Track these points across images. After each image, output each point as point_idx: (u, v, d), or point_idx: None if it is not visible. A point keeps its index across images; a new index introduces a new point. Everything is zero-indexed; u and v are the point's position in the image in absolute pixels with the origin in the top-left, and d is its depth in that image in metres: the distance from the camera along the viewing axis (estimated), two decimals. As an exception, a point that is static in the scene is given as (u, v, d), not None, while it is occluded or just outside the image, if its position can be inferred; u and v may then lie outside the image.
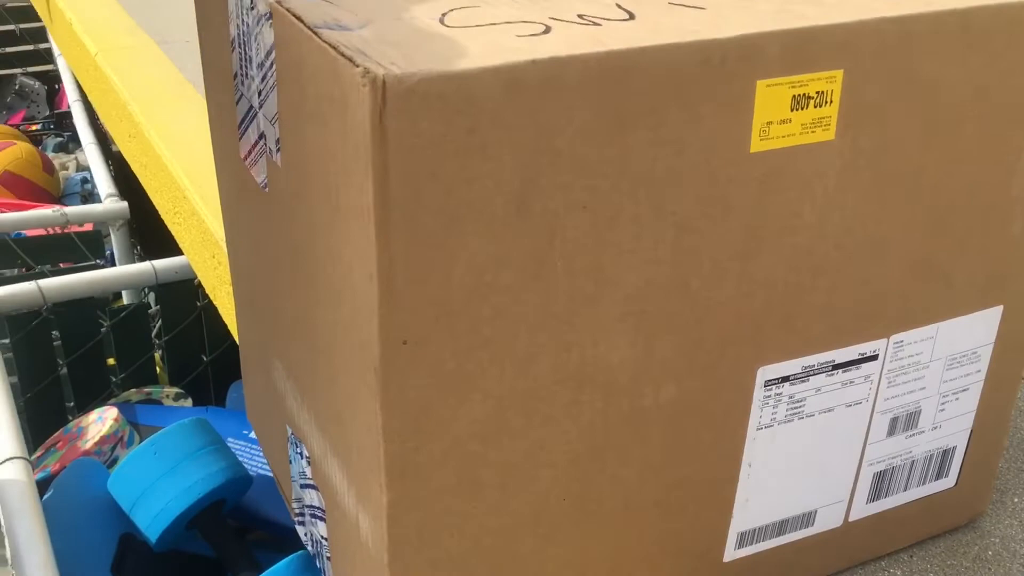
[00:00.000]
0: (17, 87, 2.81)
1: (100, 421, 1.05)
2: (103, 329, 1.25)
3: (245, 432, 1.10)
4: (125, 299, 1.41)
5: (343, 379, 0.40)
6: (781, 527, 0.48)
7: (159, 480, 0.90)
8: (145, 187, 1.25)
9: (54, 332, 1.23)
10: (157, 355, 1.35)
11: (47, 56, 2.89)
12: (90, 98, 1.57)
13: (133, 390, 1.27)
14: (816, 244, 0.41)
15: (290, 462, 0.54)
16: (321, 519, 0.49)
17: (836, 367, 0.45)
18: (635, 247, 0.38)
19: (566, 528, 0.42)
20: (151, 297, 1.39)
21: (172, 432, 0.92)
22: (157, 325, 1.32)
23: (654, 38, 0.35)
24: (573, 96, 0.34)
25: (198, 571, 0.95)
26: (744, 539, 0.47)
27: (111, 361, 1.28)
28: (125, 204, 1.43)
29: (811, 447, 0.47)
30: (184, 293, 1.28)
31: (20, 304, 1.13)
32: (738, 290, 0.41)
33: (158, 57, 1.45)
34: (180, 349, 1.30)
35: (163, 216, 1.16)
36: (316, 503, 0.49)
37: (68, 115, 2.61)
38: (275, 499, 1.03)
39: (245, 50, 0.44)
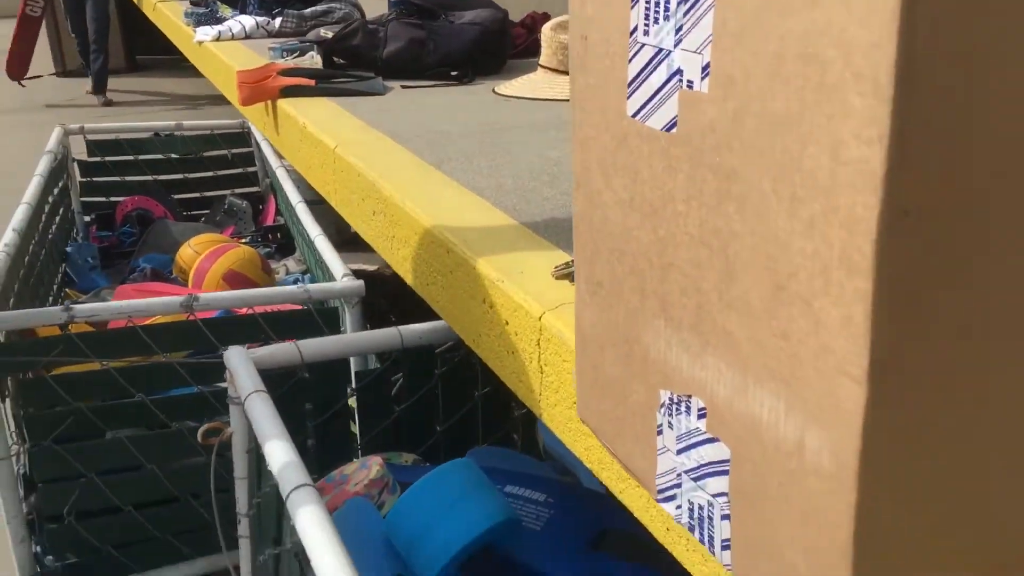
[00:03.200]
0: (227, 206, 3.03)
1: (364, 468, 1.06)
2: (349, 392, 1.28)
3: (498, 487, 1.09)
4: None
5: (796, 285, 0.39)
6: None
7: (438, 518, 0.89)
8: (392, 259, 1.30)
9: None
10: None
11: (253, 179, 3.12)
12: (325, 192, 1.67)
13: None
14: None
15: (659, 432, 0.53)
16: (719, 473, 0.47)
17: None
18: None
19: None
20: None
21: (448, 469, 0.93)
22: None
23: None
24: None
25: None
26: None
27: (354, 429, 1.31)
28: (361, 282, 1.48)
29: None
30: (424, 361, 1.30)
31: (279, 362, 1.18)
32: None
33: (394, 147, 1.53)
34: (417, 417, 1.32)
35: (413, 282, 1.20)
36: (710, 458, 0.48)
37: (273, 229, 2.79)
38: (534, 549, 1.01)
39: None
